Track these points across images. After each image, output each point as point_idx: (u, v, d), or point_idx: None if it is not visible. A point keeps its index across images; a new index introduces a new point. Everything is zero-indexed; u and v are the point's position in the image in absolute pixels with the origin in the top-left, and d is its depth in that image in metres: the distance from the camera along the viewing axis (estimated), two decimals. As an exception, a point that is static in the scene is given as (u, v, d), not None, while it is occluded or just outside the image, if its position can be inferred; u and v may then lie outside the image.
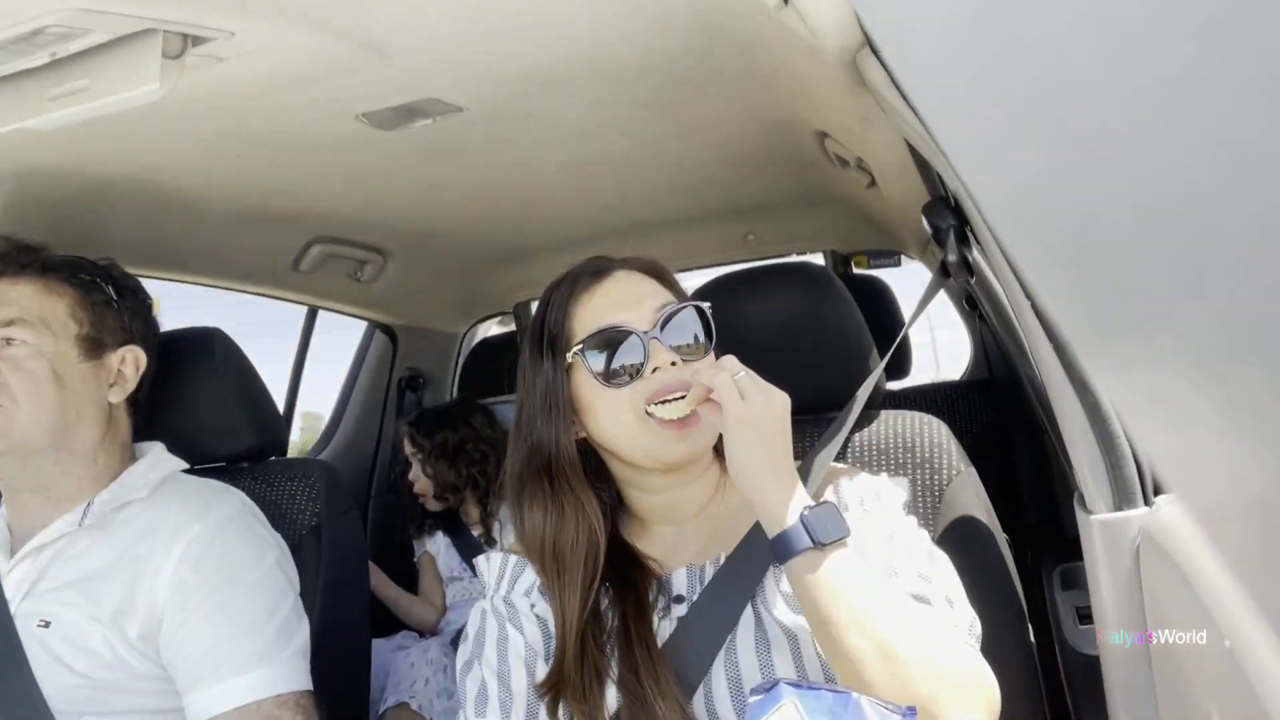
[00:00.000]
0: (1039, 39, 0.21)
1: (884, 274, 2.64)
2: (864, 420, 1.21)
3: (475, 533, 2.27)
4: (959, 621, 0.85)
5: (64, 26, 0.87)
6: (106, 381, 1.26)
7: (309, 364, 2.55)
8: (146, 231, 1.62)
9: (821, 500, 0.85)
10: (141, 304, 1.34)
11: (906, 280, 2.55)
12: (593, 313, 0.97)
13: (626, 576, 0.97)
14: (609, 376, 0.95)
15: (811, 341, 1.22)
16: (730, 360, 0.88)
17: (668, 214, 2.08)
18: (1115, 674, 0.92)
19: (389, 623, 2.22)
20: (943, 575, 0.88)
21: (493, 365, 2.84)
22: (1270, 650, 0.56)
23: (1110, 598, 0.91)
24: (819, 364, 1.22)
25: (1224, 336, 0.21)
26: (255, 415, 1.47)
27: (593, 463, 1.02)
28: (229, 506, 1.25)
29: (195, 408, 1.43)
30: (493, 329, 3.12)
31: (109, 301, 1.27)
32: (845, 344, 1.22)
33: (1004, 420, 2.40)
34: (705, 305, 1.00)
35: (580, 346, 0.95)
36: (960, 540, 1.10)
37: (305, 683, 1.18)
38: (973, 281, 1.19)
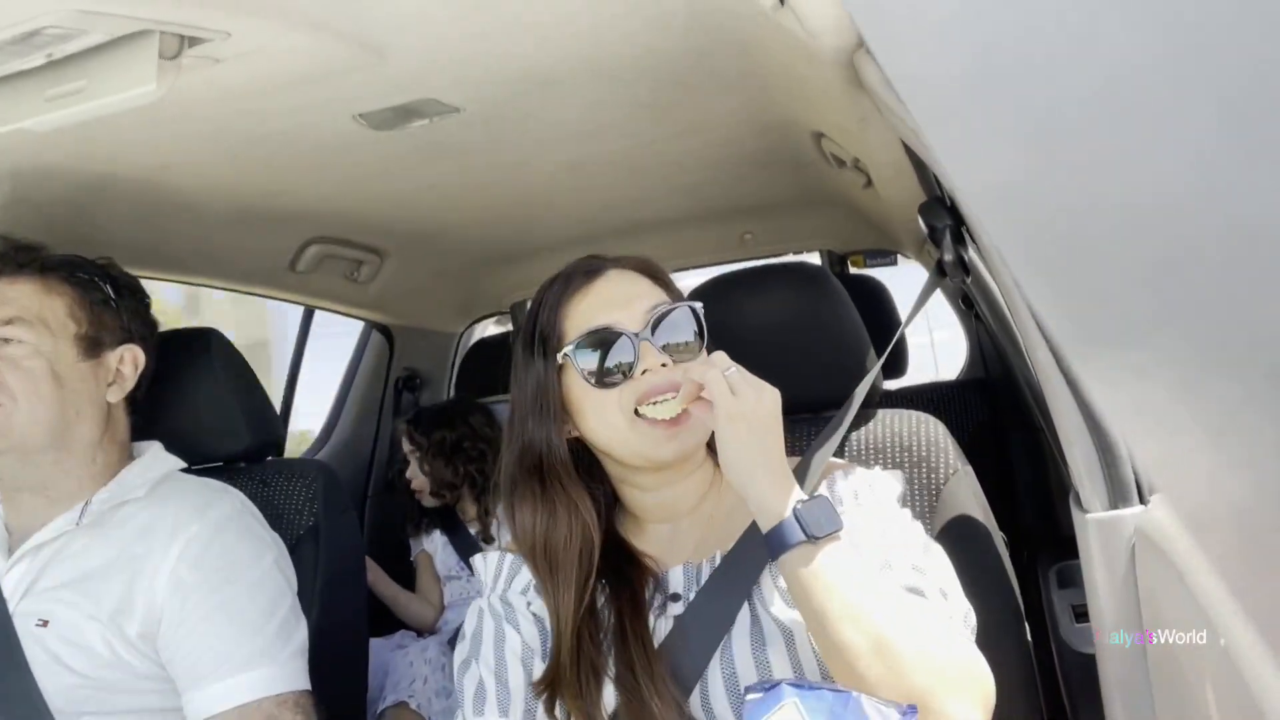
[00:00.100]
0: (1033, 44, 0.21)
1: (880, 274, 2.65)
2: (861, 419, 1.22)
3: (473, 531, 2.27)
4: (954, 613, 0.85)
5: (61, 28, 0.87)
6: (105, 381, 1.26)
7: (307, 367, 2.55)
8: (143, 231, 1.62)
9: (815, 494, 0.85)
10: (140, 303, 1.34)
11: (903, 280, 2.55)
12: (584, 313, 0.97)
13: (622, 574, 0.97)
14: (599, 378, 0.95)
15: (808, 341, 1.23)
16: (720, 356, 0.89)
17: (665, 214, 2.08)
18: (1111, 672, 0.92)
19: (387, 622, 2.22)
20: (937, 567, 0.89)
21: (490, 365, 2.84)
22: (1262, 650, 0.56)
23: (1106, 596, 0.91)
24: (816, 363, 1.22)
25: (1204, 351, 0.21)
26: (253, 415, 1.47)
27: (586, 460, 1.02)
28: (227, 506, 1.25)
29: (193, 407, 1.43)
30: (490, 329, 3.12)
31: (107, 301, 1.27)
32: (842, 343, 1.23)
33: (1000, 419, 2.40)
34: (697, 305, 1.00)
35: (571, 347, 0.96)
36: (957, 539, 1.11)
37: (304, 682, 1.18)
38: (969, 281, 1.20)
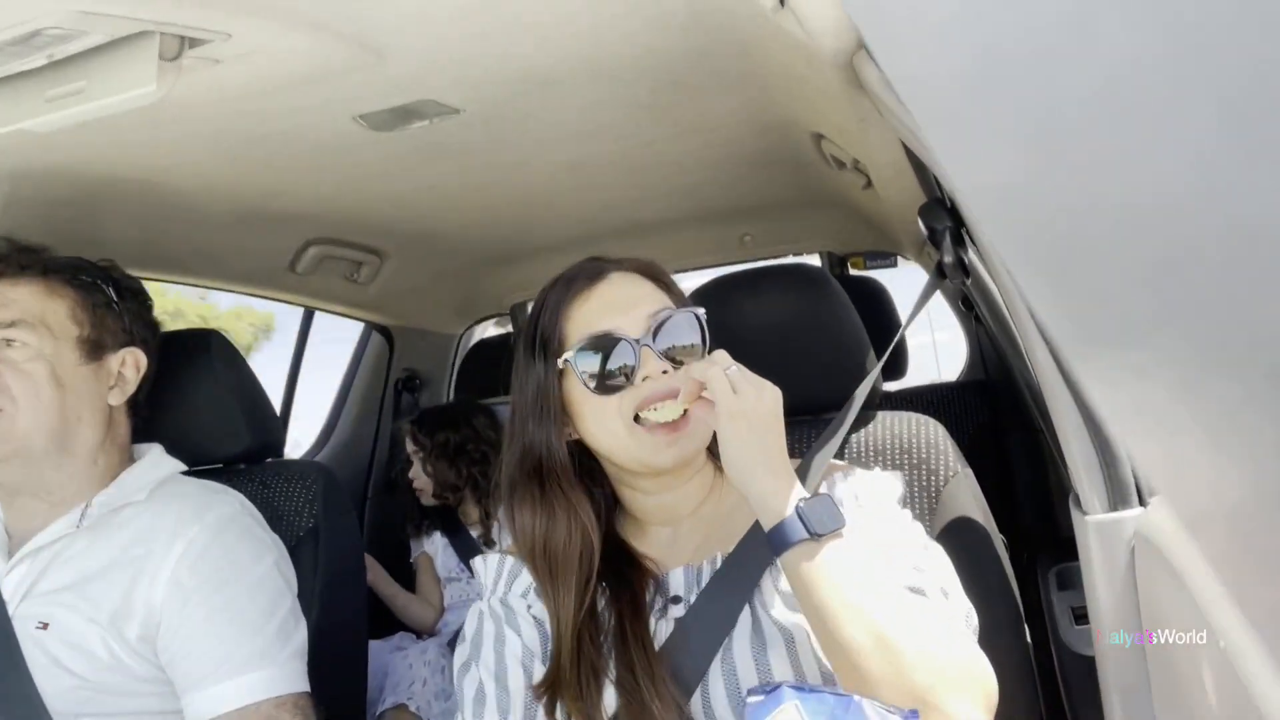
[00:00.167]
0: (1033, 46, 0.21)
1: (880, 275, 2.65)
2: (861, 421, 1.22)
3: (474, 533, 2.27)
4: (955, 612, 0.85)
5: (61, 28, 0.87)
6: (107, 384, 1.25)
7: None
8: (143, 232, 1.62)
9: (817, 494, 0.85)
10: (142, 306, 1.34)
11: (903, 282, 2.55)
12: (585, 317, 0.97)
13: (623, 576, 0.97)
14: (599, 384, 0.95)
15: (808, 343, 1.23)
16: (721, 355, 0.89)
17: (665, 215, 2.08)
18: (1111, 674, 0.92)
19: (386, 624, 2.22)
20: (938, 567, 0.89)
21: (490, 366, 2.84)
22: (1260, 651, 0.56)
23: (1106, 598, 0.91)
24: (815, 365, 1.22)
25: (1204, 352, 0.21)
26: (252, 417, 1.47)
27: (586, 463, 1.02)
28: (227, 508, 1.24)
29: (193, 409, 1.43)
30: (490, 330, 3.12)
31: (110, 303, 1.27)
32: (842, 345, 1.23)
33: (1000, 421, 2.40)
34: (700, 311, 0.99)
35: (572, 352, 0.95)
36: (957, 541, 1.11)
37: (303, 684, 1.17)
38: (968, 283, 1.20)
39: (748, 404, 0.84)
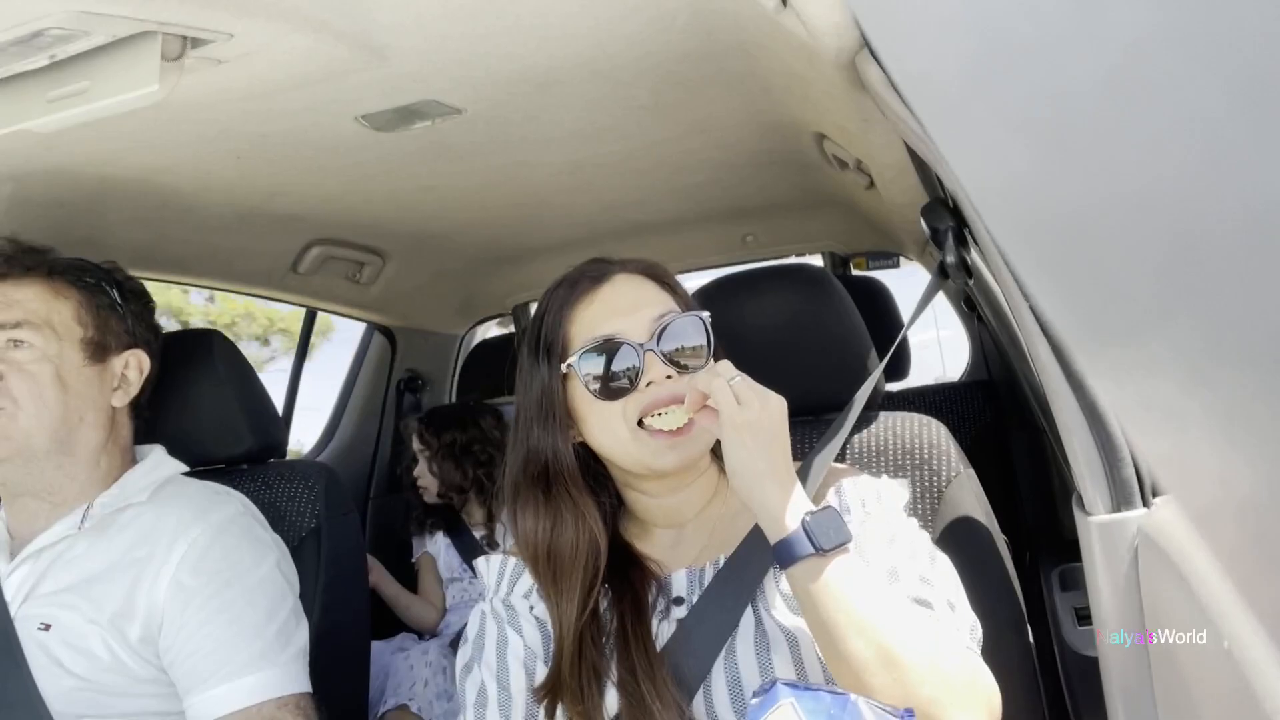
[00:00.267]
0: (1035, 41, 0.21)
1: (883, 275, 2.65)
2: (863, 421, 1.21)
3: (478, 535, 2.27)
4: (960, 625, 0.85)
5: (63, 29, 0.87)
6: (110, 385, 1.25)
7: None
8: (146, 233, 1.62)
9: (823, 504, 0.85)
10: (145, 307, 1.34)
11: (905, 281, 2.55)
12: (590, 321, 0.97)
13: (626, 577, 0.97)
14: (603, 389, 0.94)
15: (810, 343, 1.22)
16: (725, 365, 0.88)
17: (667, 215, 2.08)
18: (1114, 675, 0.92)
19: (389, 624, 2.22)
20: (944, 579, 0.88)
21: (492, 367, 2.84)
22: (1268, 651, 0.56)
23: (1109, 599, 0.91)
24: (818, 365, 1.22)
25: (1214, 343, 0.21)
26: (255, 417, 1.47)
27: (593, 466, 1.02)
28: (229, 509, 1.25)
29: (195, 410, 1.43)
30: (492, 330, 3.12)
31: (113, 305, 1.27)
32: (844, 345, 1.22)
33: (1003, 421, 2.40)
34: (704, 315, 0.99)
35: (575, 357, 0.95)
36: (959, 542, 1.10)
37: (305, 685, 1.18)
38: (971, 283, 1.20)
39: (752, 414, 0.83)
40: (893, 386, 2.46)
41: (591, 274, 1.01)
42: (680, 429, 0.93)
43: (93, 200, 1.45)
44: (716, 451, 1.01)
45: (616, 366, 0.94)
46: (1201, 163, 0.19)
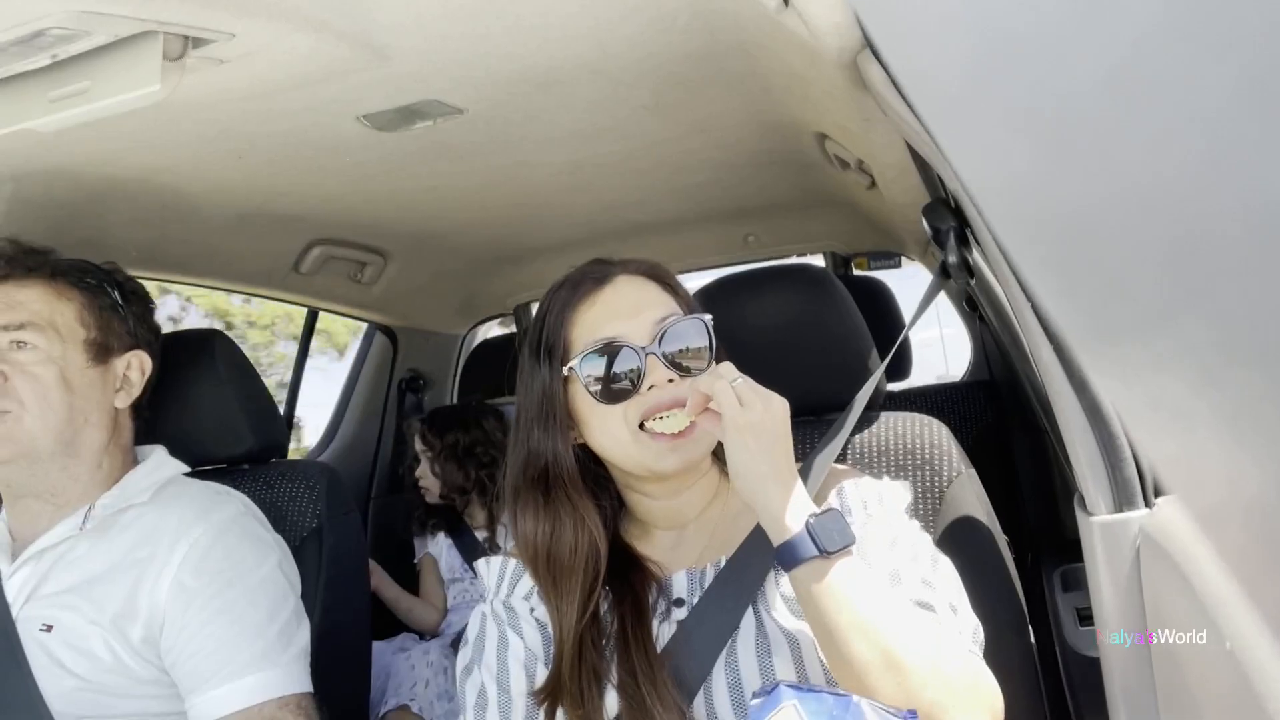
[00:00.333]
0: (1038, 39, 0.21)
1: (884, 275, 2.65)
2: (864, 422, 1.21)
3: (480, 536, 2.27)
4: (962, 628, 0.85)
5: (65, 28, 0.87)
6: (113, 386, 1.26)
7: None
8: (147, 233, 1.62)
9: (826, 507, 0.85)
10: (146, 308, 1.34)
11: (907, 283, 2.55)
12: (591, 323, 0.96)
13: (626, 579, 0.97)
14: (604, 392, 0.94)
15: (812, 343, 1.22)
16: (727, 367, 0.88)
17: (668, 215, 2.08)
18: (1116, 676, 0.92)
19: (390, 625, 2.22)
20: (946, 581, 0.88)
21: (494, 367, 2.84)
22: (1271, 652, 0.56)
23: (1111, 599, 0.91)
24: (819, 366, 1.22)
25: (1223, 341, 0.21)
26: (256, 417, 1.47)
27: (593, 469, 1.01)
28: (230, 509, 1.25)
29: (196, 410, 1.43)
30: (494, 330, 3.12)
31: (115, 306, 1.27)
32: (845, 346, 1.22)
33: (1004, 421, 2.40)
34: (706, 317, 0.99)
35: (577, 360, 0.95)
36: (961, 542, 1.10)
37: (306, 685, 1.17)
38: (973, 283, 1.19)
39: (755, 417, 0.83)
40: (894, 386, 2.46)
41: (593, 275, 1.00)
42: (682, 432, 0.93)
43: (94, 200, 1.45)
44: (718, 453, 1.00)
45: (618, 369, 0.94)
46: (1206, 160, 0.19)
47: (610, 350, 0.94)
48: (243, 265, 1.92)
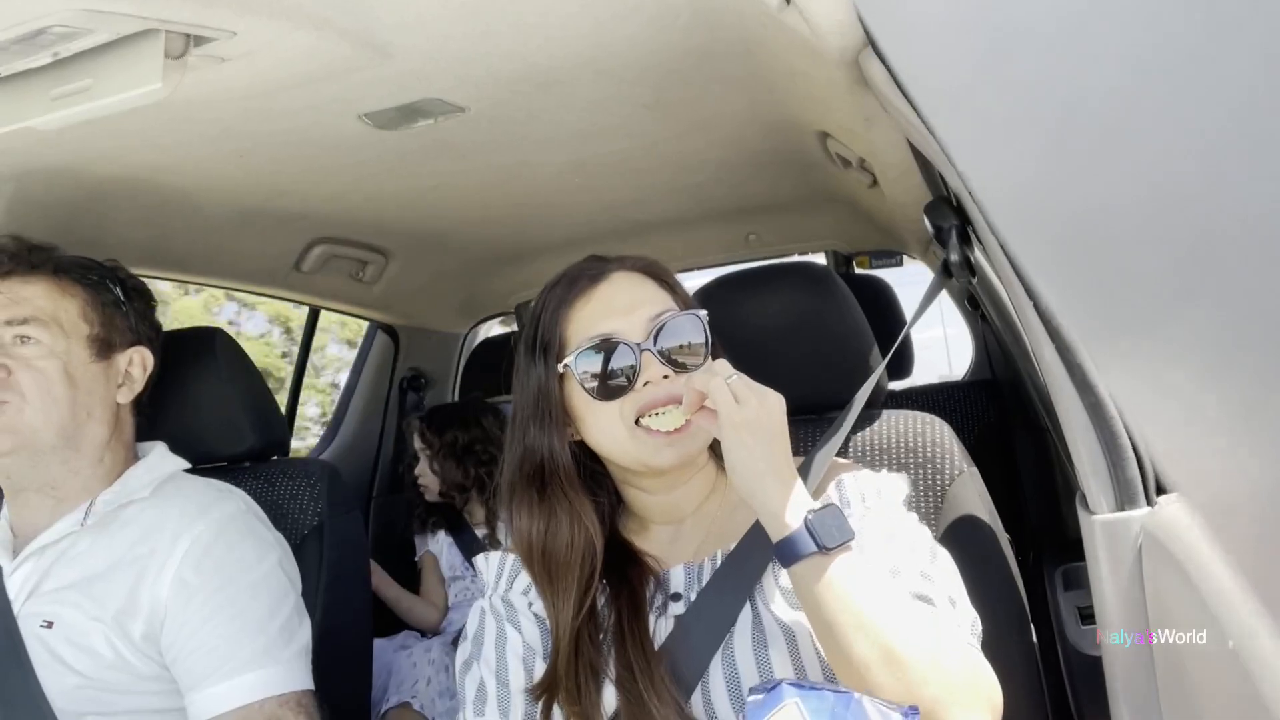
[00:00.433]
0: (1038, 39, 0.21)
1: (886, 274, 2.65)
2: (866, 420, 1.21)
3: (480, 533, 2.27)
4: (961, 621, 0.85)
5: (66, 26, 0.87)
6: (115, 382, 1.26)
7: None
8: (149, 232, 1.62)
9: (825, 502, 0.85)
10: (147, 305, 1.35)
11: (909, 280, 2.55)
12: (586, 320, 0.96)
13: (623, 574, 0.97)
14: (600, 389, 0.94)
15: (813, 342, 1.22)
16: (722, 364, 0.88)
17: (669, 214, 2.08)
18: (1118, 674, 0.92)
19: (391, 622, 2.22)
20: (945, 574, 0.88)
21: (495, 365, 2.83)
22: (1274, 650, 0.55)
23: (1113, 598, 0.91)
24: (821, 364, 1.21)
25: (1227, 335, 0.21)
26: (257, 415, 1.47)
27: (589, 465, 1.02)
28: (230, 506, 1.25)
29: (197, 408, 1.44)
30: (495, 329, 3.12)
31: (118, 303, 1.28)
32: (847, 344, 1.22)
33: (1006, 420, 2.40)
34: (702, 313, 0.99)
35: (572, 357, 0.95)
36: (963, 540, 1.10)
37: (307, 682, 1.18)
38: (974, 281, 1.19)
39: (751, 413, 0.83)
40: (896, 385, 2.46)
41: (589, 272, 1.00)
42: (677, 429, 0.93)
43: (95, 199, 1.45)
44: (714, 448, 1.00)
45: (613, 366, 0.94)
46: (1208, 161, 0.19)
47: (606, 347, 0.94)
48: (244, 264, 1.92)
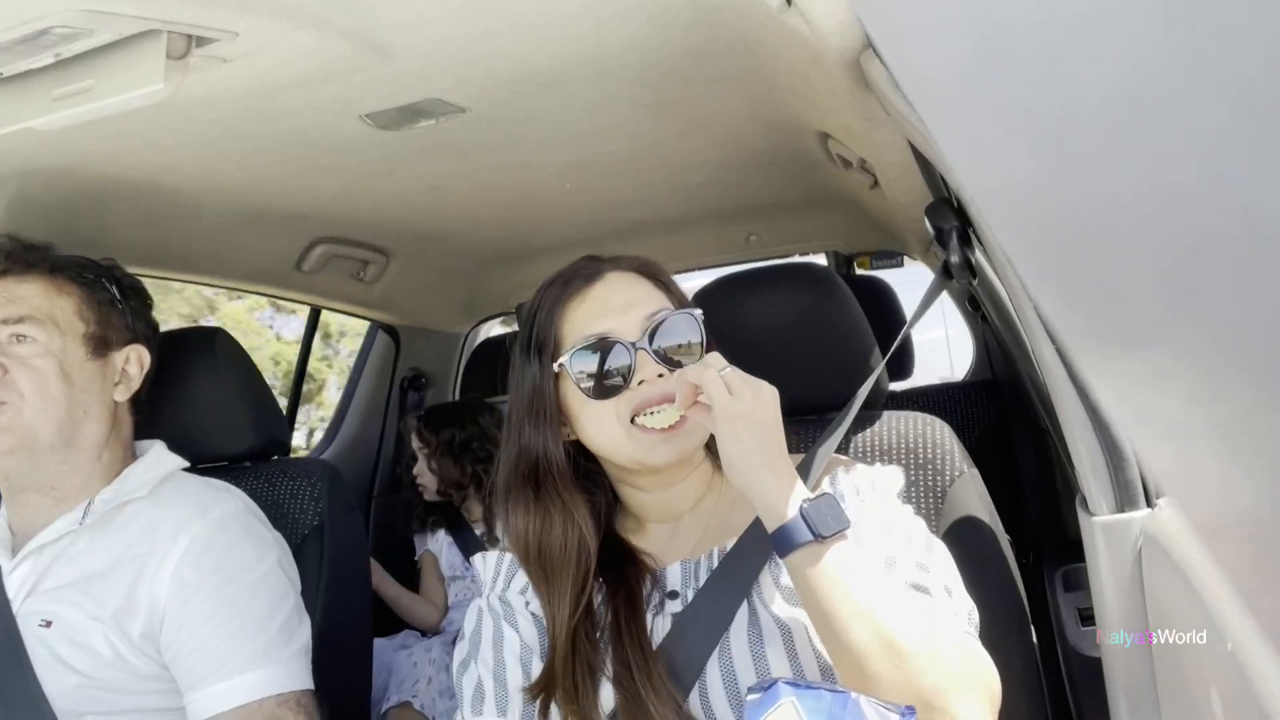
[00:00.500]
0: (1040, 40, 0.21)
1: (887, 275, 2.64)
2: (866, 420, 1.21)
3: (478, 531, 2.28)
4: (958, 610, 0.85)
5: (69, 27, 0.87)
6: (112, 380, 1.26)
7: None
8: (150, 232, 1.62)
9: (820, 492, 0.85)
10: (143, 303, 1.35)
11: (911, 281, 2.55)
12: (582, 320, 0.97)
13: (620, 572, 0.97)
14: (595, 388, 0.94)
15: (814, 342, 1.22)
16: (715, 357, 0.88)
17: (670, 214, 2.08)
18: (1117, 676, 0.92)
19: (392, 622, 2.22)
20: (940, 564, 0.88)
21: (495, 366, 2.83)
22: (1271, 654, 0.55)
23: (1112, 599, 0.91)
24: (821, 365, 1.22)
25: (1221, 351, 0.21)
26: (258, 414, 1.47)
27: (585, 465, 1.02)
28: (229, 506, 1.25)
29: (198, 407, 1.44)
30: (496, 329, 3.12)
31: (113, 301, 1.28)
32: (847, 345, 1.22)
33: (1006, 421, 2.40)
34: (696, 312, 0.99)
35: (567, 356, 0.95)
36: (963, 541, 1.10)
37: (307, 682, 1.18)
38: (975, 283, 1.19)
39: (744, 405, 0.83)
40: (896, 386, 2.46)
41: (584, 272, 1.00)
42: (673, 425, 0.93)
43: (96, 199, 1.45)
44: (710, 446, 1.01)
45: (609, 365, 0.94)
46: (1206, 166, 0.19)
47: (601, 346, 0.94)
48: (245, 264, 1.92)
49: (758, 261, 2.08)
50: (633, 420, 0.94)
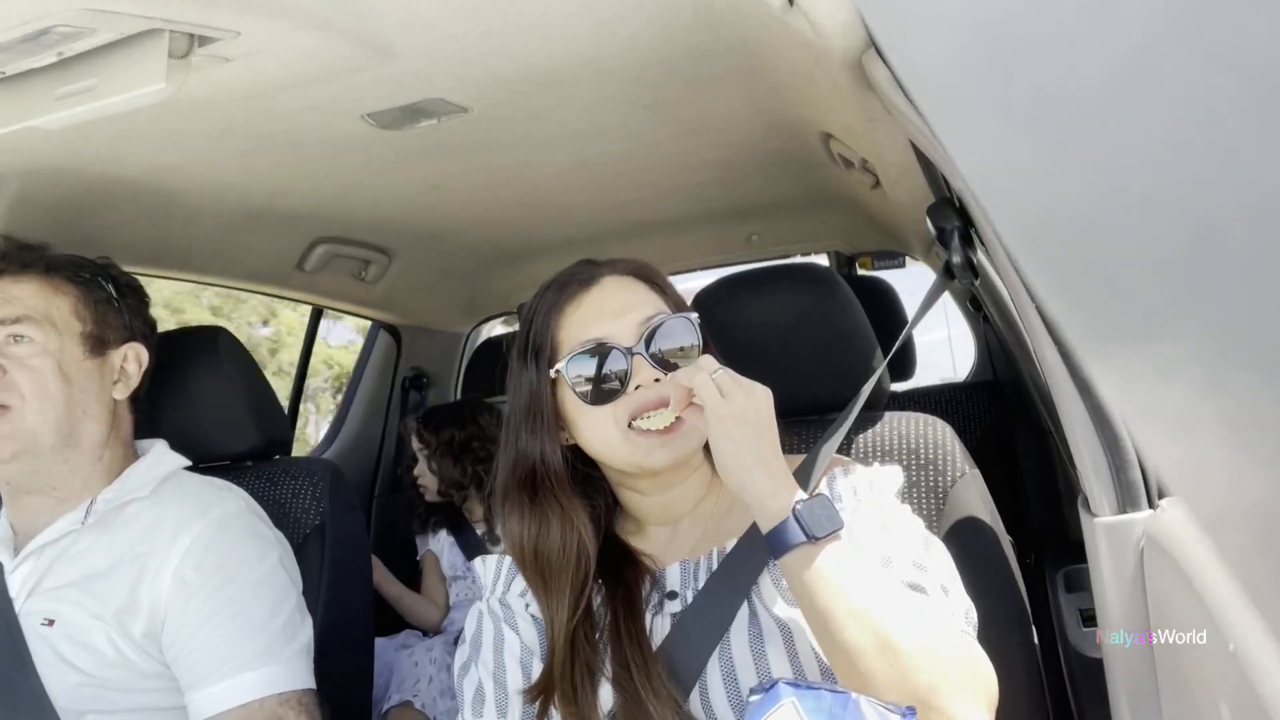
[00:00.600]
0: (1042, 40, 0.21)
1: (888, 275, 2.64)
2: (868, 421, 1.21)
3: (479, 531, 2.28)
4: (955, 609, 0.85)
5: (71, 26, 0.88)
6: (110, 379, 1.26)
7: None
8: (152, 231, 1.62)
9: (815, 493, 0.85)
10: (140, 302, 1.35)
11: (912, 281, 2.54)
12: (578, 324, 0.97)
13: (618, 573, 0.97)
14: (592, 393, 0.94)
15: (815, 343, 1.22)
16: (707, 360, 0.88)
17: (671, 214, 2.08)
18: (1119, 677, 0.91)
19: (393, 621, 2.22)
20: (938, 563, 0.88)
21: (497, 365, 2.83)
22: (1274, 654, 0.55)
23: (1114, 600, 0.91)
24: (823, 365, 1.21)
25: (1227, 345, 0.21)
26: (259, 414, 1.47)
27: (583, 469, 1.02)
28: (231, 505, 1.25)
29: (200, 406, 1.44)
30: (497, 329, 3.13)
31: (110, 299, 1.28)
32: (849, 345, 1.22)
33: (1008, 422, 2.40)
34: (693, 316, 0.99)
35: (564, 362, 0.95)
36: (964, 542, 1.10)
37: (308, 681, 1.18)
38: (977, 283, 1.19)
39: (737, 407, 0.83)
40: (898, 387, 2.46)
41: (580, 276, 1.00)
42: (669, 427, 0.93)
43: (98, 198, 1.46)
44: (709, 448, 1.01)
45: (605, 370, 0.94)
46: (1211, 162, 0.19)
47: (597, 351, 0.94)
48: (247, 263, 1.92)
49: (759, 262, 2.08)
50: (630, 424, 0.94)
